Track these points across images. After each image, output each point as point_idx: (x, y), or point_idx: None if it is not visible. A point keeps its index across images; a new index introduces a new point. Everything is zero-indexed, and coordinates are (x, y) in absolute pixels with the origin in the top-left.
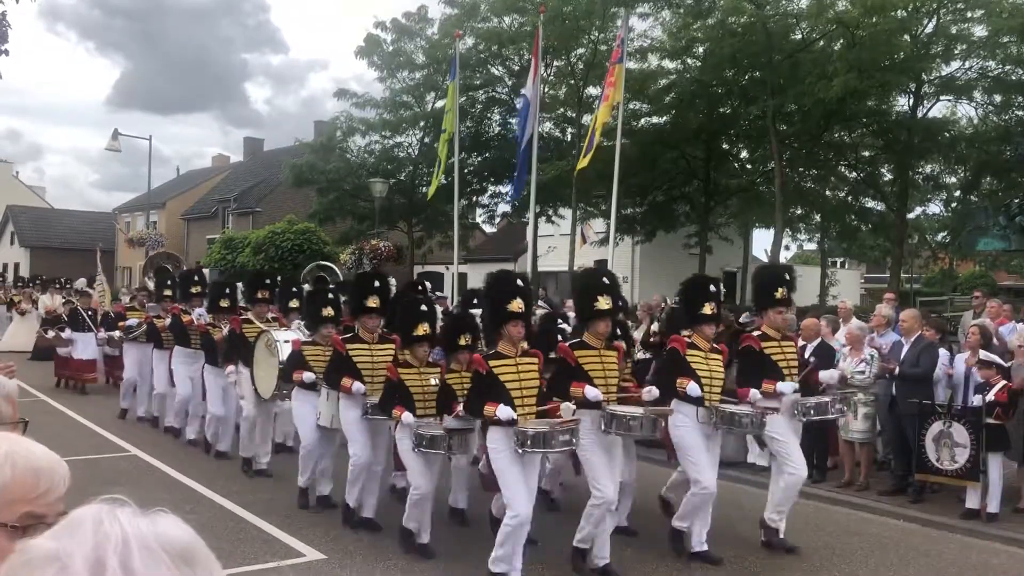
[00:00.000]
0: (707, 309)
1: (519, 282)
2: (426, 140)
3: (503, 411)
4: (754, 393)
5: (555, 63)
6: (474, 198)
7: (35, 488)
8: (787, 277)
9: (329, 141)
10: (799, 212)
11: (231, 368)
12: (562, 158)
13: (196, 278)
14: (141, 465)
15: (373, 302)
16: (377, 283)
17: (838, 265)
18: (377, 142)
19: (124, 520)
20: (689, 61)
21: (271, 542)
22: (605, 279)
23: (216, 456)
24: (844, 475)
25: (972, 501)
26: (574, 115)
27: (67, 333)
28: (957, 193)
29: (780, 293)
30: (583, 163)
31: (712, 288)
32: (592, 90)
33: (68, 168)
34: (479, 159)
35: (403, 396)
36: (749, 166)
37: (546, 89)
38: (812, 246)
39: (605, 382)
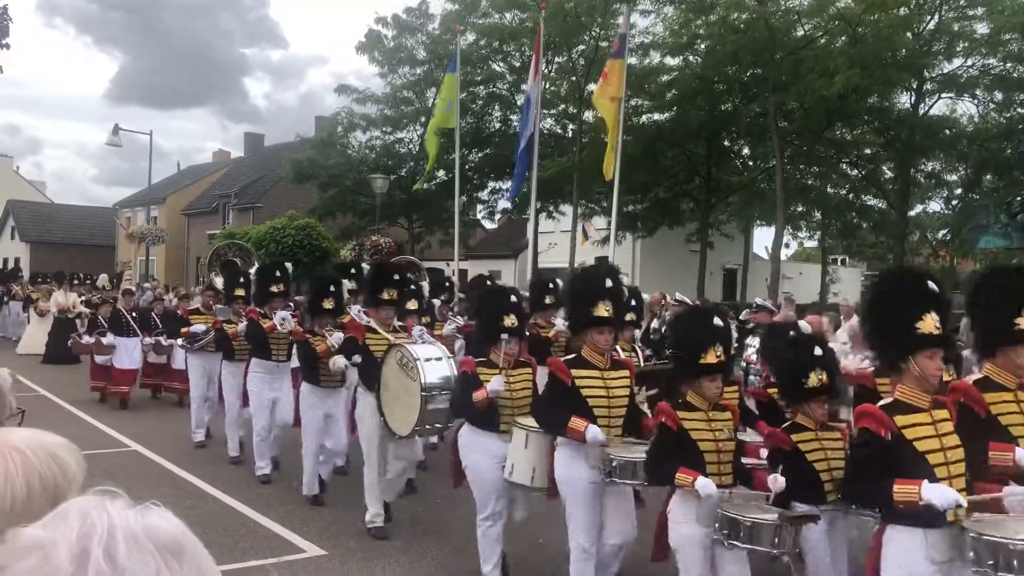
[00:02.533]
0: None
1: (932, 284)
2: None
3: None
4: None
5: (556, 59)
6: (474, 194)
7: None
8: None
9: (330, 137)
10: (800, 209)
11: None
12: (563, 154)
13: (278, 273)
14: (142, 460)
15: (605, 309)
16: (610, 282)
17: (839, 263)
18: (378, 138)
19: (112, 511)
20: (691, 58)
21: (271, 538)
22: None
23: (313, 503)
24: None
25: None
26: (575, 111)
27: (108, 338)
28: (958, 191)
29: None
30: (609, 169)
31: None
32: (594, 86)
33: (67, 163)
34: (480, 155)
35: (690, 456)
36: (750, 163)
37: (547, 85)
38: (813, 243)
39: None
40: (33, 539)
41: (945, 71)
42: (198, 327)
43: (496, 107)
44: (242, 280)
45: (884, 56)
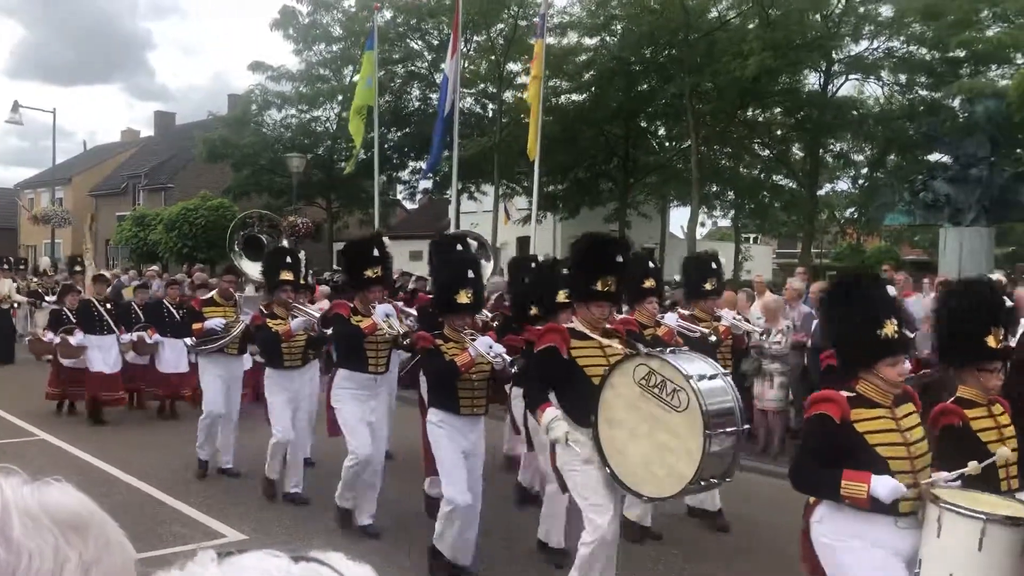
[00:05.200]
0: None
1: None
2: (344, 114)
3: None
4: None
5: (475, 38)
6: (394, 174)
7: None
8: None
9: (243, 115)
10: (714, 189)
11: (563, 432)
12: (483, 134)
13: (376, 252)
14: (50, 450)
15: (994, 338)
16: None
17: (751, 241)
18: (294, 116)
19: (6, 488)
20: (608, 38)
21: (190, 524)
22: None
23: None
24: (759, 443)
25: None
26: (495, 91)
27: (78, 337)
28: (864, 170)
29: None
30: (533, 150)
31: None
32: (513, 66)
33: None
34: (399, 134)
35: None
36: (667, 144)
37: (466, 64)
38: (726, 223)
39: None
40: None
41: (852, 53)
42: (215, 322)
43: (415, 86)
44: (289, 260)
45: (795, 38)
